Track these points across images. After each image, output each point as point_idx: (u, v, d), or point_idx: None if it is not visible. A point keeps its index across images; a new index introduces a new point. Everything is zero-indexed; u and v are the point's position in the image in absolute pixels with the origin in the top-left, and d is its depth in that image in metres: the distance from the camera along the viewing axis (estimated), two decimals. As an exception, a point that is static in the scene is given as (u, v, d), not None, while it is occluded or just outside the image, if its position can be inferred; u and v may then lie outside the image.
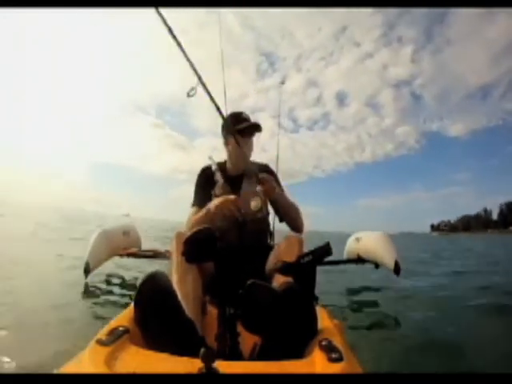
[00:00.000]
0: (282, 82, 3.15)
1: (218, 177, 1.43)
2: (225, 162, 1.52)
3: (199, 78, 1.18)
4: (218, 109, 1.22)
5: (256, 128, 1.43)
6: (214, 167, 1.46)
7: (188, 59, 1.18)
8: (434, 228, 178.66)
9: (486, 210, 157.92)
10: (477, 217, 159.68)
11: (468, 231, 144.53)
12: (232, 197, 1.18)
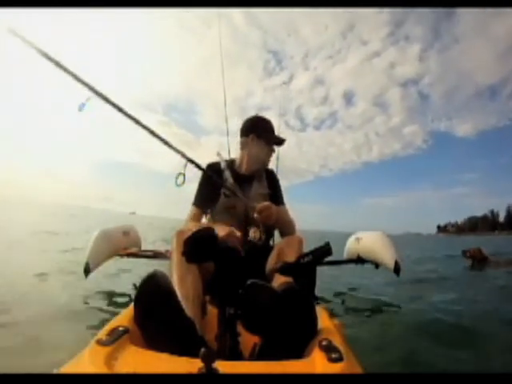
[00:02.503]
0: (285, 83, 3.21)
1: (228, 175, 1.39)
2: (232, 160, 1.50)
3: (188, 160, 1.16)
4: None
5: (282, 142, 1.49)
6: (223, 164, 1.43)
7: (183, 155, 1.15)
8: (440, 229, 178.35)
9: (492, 212, 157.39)
10: (484, 218, 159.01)
11: (475, 232, 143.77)
12: (238, 234, 1.10)
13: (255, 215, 1.20)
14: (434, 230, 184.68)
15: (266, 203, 1.21)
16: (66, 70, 1.01)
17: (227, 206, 1.35)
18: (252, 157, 1.43)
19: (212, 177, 1.30)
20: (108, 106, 1.06)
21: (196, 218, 1.38)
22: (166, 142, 1.14)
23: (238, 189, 1.37)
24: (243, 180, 1.42)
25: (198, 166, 1.23)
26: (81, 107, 1.06)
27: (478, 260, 4.41)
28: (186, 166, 1.15)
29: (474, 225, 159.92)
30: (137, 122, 1.11)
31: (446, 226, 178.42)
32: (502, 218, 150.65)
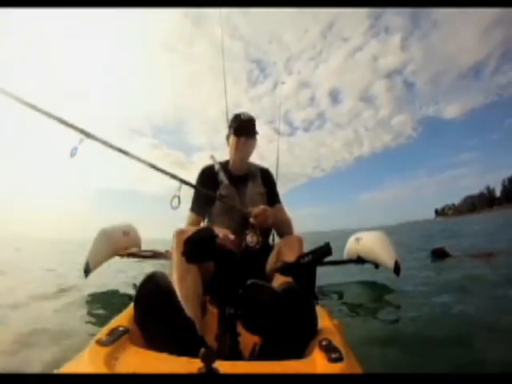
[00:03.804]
0: (283, 83, 3.28)
1: (222, 177, 1.40)
2: (227, 161, 1.50)
3: (182, 181, 1.15)
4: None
5: (246, 129, 1.41)
6: (216, 167, 1.43)
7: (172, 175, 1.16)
8: (438, 213, 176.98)
9: (488, 188, 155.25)
10: (480, 196, 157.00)
11: (473, 212, 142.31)
12: (232, 236, 1.09)
13: (251, 220, 1.21)
14: (432, 215, 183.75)
15: (262, 207, 1.22)
16: (55, 118, 1.00)
17: (224, 209, 1.35)
18: (232, 154, 1.44)
19: (207, 194, 1.31)
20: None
21: (194, 223, 1.38)
22: (158, 168, 1.15)
23: (234, 190, 1.38)
24: (238, 180, 1.42)
25: (191, 185, 1.23)
26: (73, 152, 1.03)
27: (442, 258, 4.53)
28: (180, 188, 1.14)
29: (472, 204, 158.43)
30: (131, 156, 1.12)
31: (443, 210, 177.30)
32: (498, 192, 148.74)
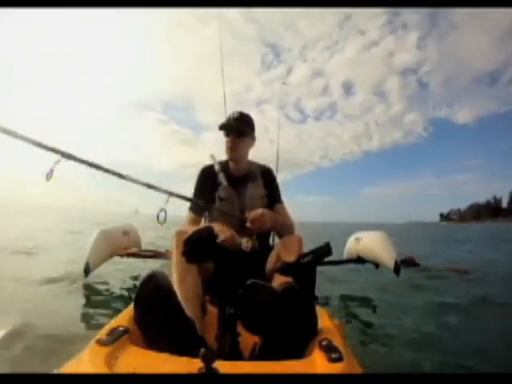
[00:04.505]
0: (284, 83, 3.24)
1: (222, 178, 1.37)
2: (227, 161, 1.47)
3: (170, 194, 1.06)
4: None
5: (230, 128, 1.37)
6: (216, 167, 1.40)
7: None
8: (443, 217, 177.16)
9: (495, 198, 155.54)
10: (486, 205, 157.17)
11: (478, 220, 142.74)
12: (227, 233, 1.09)
13: (248, 225, 1.18)
14: (436, 218, 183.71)
15: (259, 211, 1.19)
16: (27, 139, 0.84)
17: (221, 211, 1.33)
18: (227, 154, 1.42)
19: (204, 207, 1.29)
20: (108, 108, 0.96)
21: (193, 223, 1.36)
22: (145, 184, 1.05)
23: (233, 192, 1.36)
24: (237, 181, 1.40)
25: (182, 197, 1.15)
26: (49, 175, 0.88)
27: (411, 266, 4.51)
28: (167, 200, 1.05)
29: (477, 212, 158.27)
30: (114, 173, 1.00)
31: (448, 214, 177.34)
32: (504, 203, 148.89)
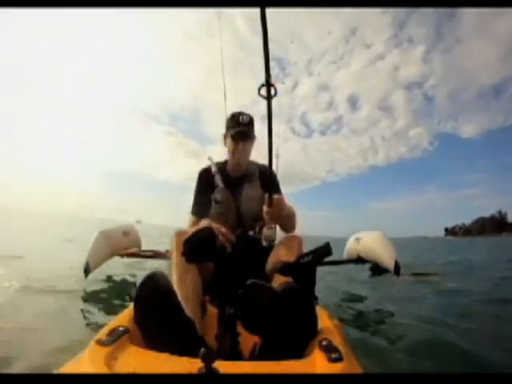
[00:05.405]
0: (283, 83, 3.26)
1: (218, 180, 1.38)
2: (225, 162, 1.48)
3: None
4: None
5: (245, 135, 1.35)
6: (213, 169, 1.41)
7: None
8: (448, 231, 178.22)
9: (500, 212, 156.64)
10: (491, 219, 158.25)
11: (483, 234, 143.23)
12: (223, 230, 1.07)
13: (265, 210, 1.09)
14: (441, 233, 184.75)
15: (278, 196, 1.12)
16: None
17: (219, 212, 1.34)
18: (228, 155, 1.42)
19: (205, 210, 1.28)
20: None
21: (196, 226, 1.35)
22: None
23: (229, 193, 1.36)
24: (234, 182, 1.40)
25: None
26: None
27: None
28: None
29: (482, 226, 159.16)
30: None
31: (453, 229, 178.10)
32: (509, 218, 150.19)
